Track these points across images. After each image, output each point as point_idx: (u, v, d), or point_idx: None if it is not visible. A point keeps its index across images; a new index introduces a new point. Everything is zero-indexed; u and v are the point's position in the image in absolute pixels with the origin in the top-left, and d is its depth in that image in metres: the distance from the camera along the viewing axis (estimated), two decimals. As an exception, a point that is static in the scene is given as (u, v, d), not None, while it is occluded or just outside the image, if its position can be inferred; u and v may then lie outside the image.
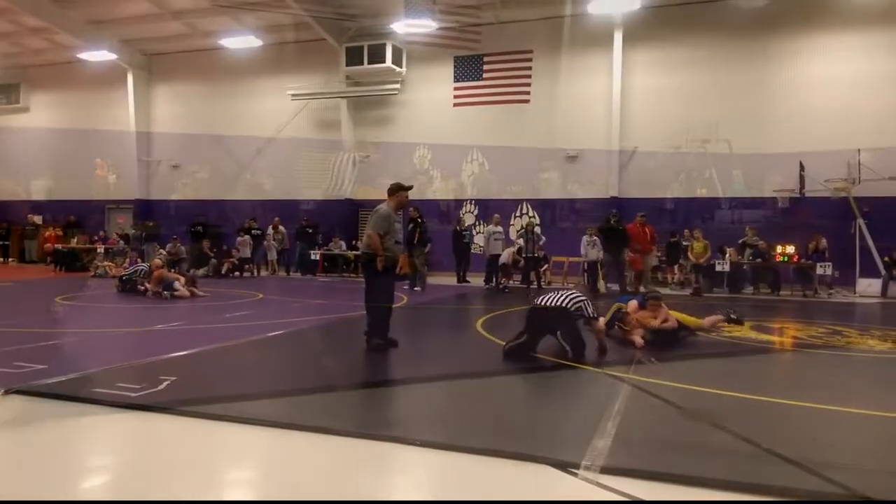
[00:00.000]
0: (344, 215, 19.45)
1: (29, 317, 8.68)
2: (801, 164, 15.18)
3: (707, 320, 7.92)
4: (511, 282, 15.58)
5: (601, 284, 13.69)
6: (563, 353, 6.01)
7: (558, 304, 6.30)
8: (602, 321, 6.61)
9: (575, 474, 3.14)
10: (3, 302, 10.79)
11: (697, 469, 3.22)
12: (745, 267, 14.88)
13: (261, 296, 12.33)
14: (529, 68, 18.11)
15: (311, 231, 18.97)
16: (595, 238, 13.91)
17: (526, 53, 18.08)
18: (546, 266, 15.86)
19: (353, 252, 18.16)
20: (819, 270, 13.85)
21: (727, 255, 14.40)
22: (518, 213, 18.28)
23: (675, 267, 15.57)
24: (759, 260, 14.70)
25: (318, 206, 19.92)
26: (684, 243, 15.35)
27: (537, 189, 18.12)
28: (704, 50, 16.70)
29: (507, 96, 18.34)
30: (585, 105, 17.64)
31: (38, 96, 23.56)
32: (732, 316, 8.19)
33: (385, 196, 6.89)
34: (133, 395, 4.45)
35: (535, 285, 14.56)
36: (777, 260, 14.74)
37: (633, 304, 7.60)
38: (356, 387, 5.32)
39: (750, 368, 6.30)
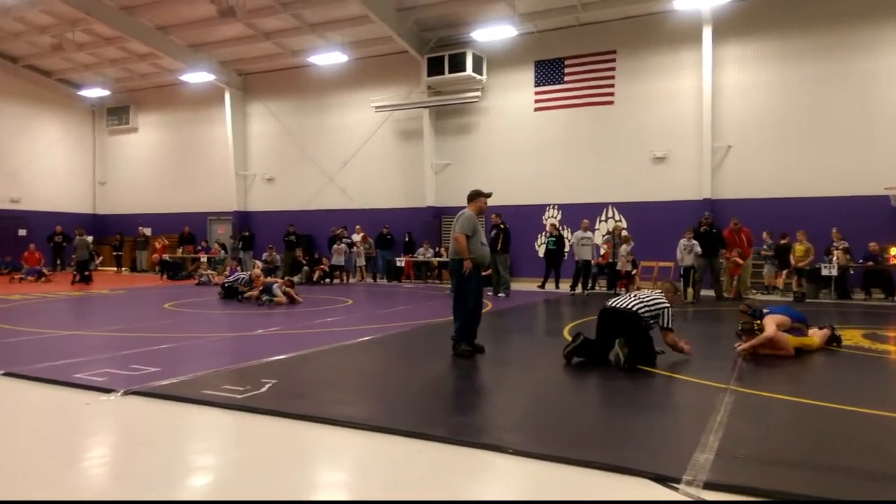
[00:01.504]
0: (427, 222, 19.75)
1: (142, 322, 9.38)
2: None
3: (819, 337, 7.08)
4: (598, 287, 15.31)
5: (690, 292, 13.10)
6: (617, 360, 5.80)
7: (630, 307, 6.08)
8: (673, 335, 6.29)
9: (675, 489, 3.04)
10: (118, 308, 11.71)
11: (810, 488, 3.04)
12: (851, 271, 13.86)
13: (350, 302, 12.73)
14: (613, 69, 17.73)
15: (391, 238, 19.43)
16: (693, 242, 13.31)
17: (609, 54, 17.72)
18: (635, 271, 15.40)
19: (437, 259, 18.41)
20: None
21: (834, 258, 13.44)
22: (604, 217, 17.91)
23: (784, 272, 14.66)
24: (869, 263, 13.65)
25: (403, 213, 20.32)
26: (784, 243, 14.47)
27: (623, 192, 17.64)
28: (800, 41, 15.75)
29: (590, 98, 18.03)
30: (673, 104, 17.07)
31: (146, 117, 25.48)
32: (836, 334, 7.36)
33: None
34: (238, 396, 4.72)
35: (623, 291, 14.18)
36: (891, 263, 13.63)
37: (778, 319, 6.73)
38: (446, 392, 5.39)
39: (863, 380, 5.85)
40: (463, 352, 6.56)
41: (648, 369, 5.83)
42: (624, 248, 14.07)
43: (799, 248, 13.95)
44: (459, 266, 6.66)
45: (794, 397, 4.95)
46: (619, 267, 13.97)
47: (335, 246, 18.41)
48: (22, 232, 22.93)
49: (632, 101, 17.50)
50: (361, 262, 19.21)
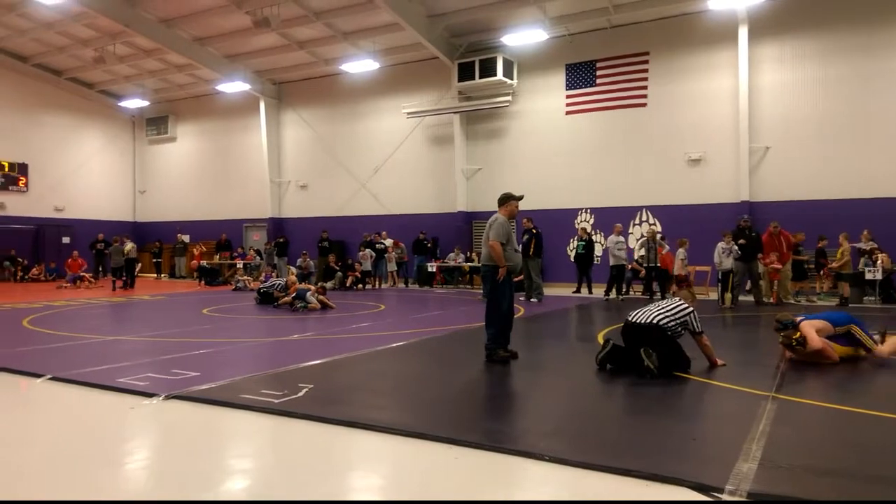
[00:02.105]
0: (459, 227, 19.78)
1: (181, 327, 9.60)
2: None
3: (890, 346, 6.63)
4: (633, 292, 15.10)
5: (728, 297, 12.81)
6: (644, 370, 5.66)
7: (652, 320, 5.91)
8: (705, 337, 6.13)
9: (718, 499, 2.98)
10: (158, 314, 12.00)
11: (856, 500, 2.94)
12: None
13: (382, 307, 12.80)
14: (646, 70, 17.52)
15: (427, 244, 19.50)
16: (731, 245, 13.00)
17: (642, 56, 17.53)
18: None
19: (469, 264, 18.41)
20: None
21: (879, 262, 13.01)
22: (637, 221, 17.68)
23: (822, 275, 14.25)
24: (917, 266, 13.17)
25: (434, 219, 20.38)
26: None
27: (657, 195, 17.39)
28: (838, 39, 15.33)
29: (623, 101, 17.84)
30: (708, 105, 16.79)
31: (184, 126, 26.12)
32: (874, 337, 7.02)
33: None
34: (276, 401, 4.79)
35: (657, 296, 13.94)
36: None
37: (817, 325, 6.43)
38: (480, 398, 5.38)
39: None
40: (501, 357, 6.53)
41: (684, 375, 5.72)
42: (681, 252, 13.67)
43: (839, 252, 13.55)
44: (493, 272, 6.65)
45: (839, 405, 4.81)
46: (676, 271, 13.54)
47: (361, 252, 18.57)
48: (66, 239, 23.71)
49: (666, 103, 17.27)
50: (392, 267, 19.32)
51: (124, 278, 18.02)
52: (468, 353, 7.10)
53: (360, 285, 18.14)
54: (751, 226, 13.75)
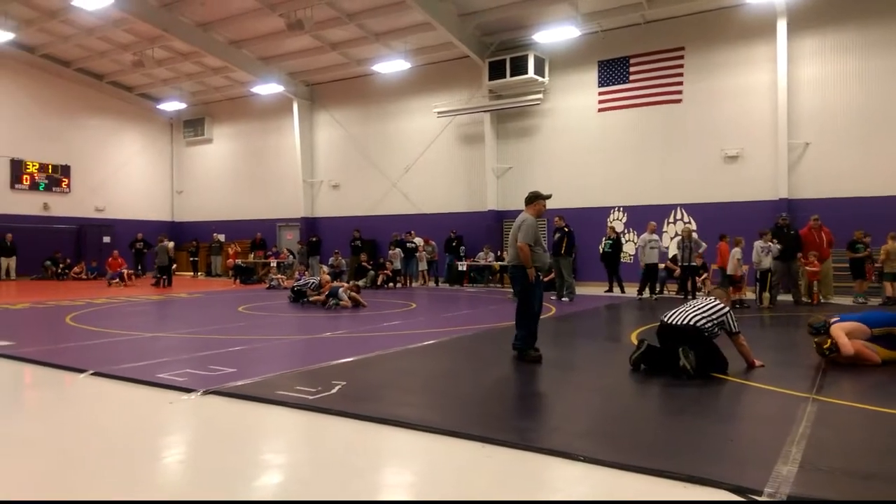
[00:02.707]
0: (489, 226, 19.75)
1: (218, 325, 9.79)
2: None
3: None
4: (668, 292, 14.86)
5: (766, 296, 12.50)
6: (680, 370, 5.55)
7: (689, 321, 5.79)
8: (742, 337, 6.00)
9: (756, 500, 2.92)
10: (196, 311, 12.27)
11: (906, 505, 2.86)
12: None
13: (413, 305, 12.86)
14: (681, 66, 17.23)
15: (455, 244, 19.53)
16: (770, 244, 12.68)
17: (677, 51, 17.23)
18: (705, 275, 14.87)
19: (499, 263, 18.36)
20: None
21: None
22: (671, 219, 17.40)
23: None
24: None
25: (464, 217, 20.39)
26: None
27: (692, 193, 17.09)
28: (880, 31, 14.85)
29: (657, 97, 17.57)
30: (745, 101, 16.42)
31: (220, 128, 26.62)
32: None
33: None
34: (310, 397, 4.86)
35: (691, 296, 13.68)
36: None
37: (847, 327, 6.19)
38: (512, 396, 5.37)
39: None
40: (532, 358, 6.49)
41: (721, 376, 5.61)
42: (737, 251, 13.17)
43: (887, 249, 13.11)
44: (522, 273, 6.63)
45: (881, 407, 4.66)
46: (730, 271, 13.10)
47: (391, 251, 18.69)
48: (106, 239, 24.38)
49: (701, 99, 16.95)
50: (423, 265, 19.39)
51: (165, 276, 18.47)
52: (498, 352, 7.08)
53: (392, 284, 18.24)
54: (790, 224, 13.42)
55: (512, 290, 7.15)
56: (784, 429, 3.96)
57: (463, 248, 19.73)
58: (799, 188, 15.77)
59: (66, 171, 23.99)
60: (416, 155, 21.55)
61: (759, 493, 2.95)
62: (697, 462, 3.41)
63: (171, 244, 18.94)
